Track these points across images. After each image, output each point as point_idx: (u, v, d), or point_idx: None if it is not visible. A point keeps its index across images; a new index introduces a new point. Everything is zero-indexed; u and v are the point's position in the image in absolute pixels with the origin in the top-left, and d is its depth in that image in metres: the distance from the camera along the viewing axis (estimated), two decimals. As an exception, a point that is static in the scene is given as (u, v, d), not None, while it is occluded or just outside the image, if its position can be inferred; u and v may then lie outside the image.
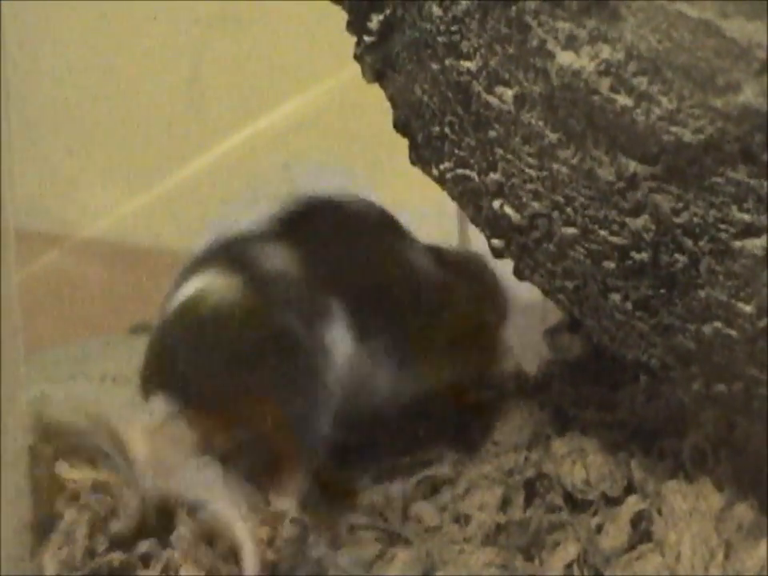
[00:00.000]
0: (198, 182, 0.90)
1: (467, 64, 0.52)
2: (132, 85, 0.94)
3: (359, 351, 0.62)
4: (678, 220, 0.49)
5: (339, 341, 0.62)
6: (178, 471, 0.59)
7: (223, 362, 0.60)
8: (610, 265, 0.52)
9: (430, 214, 0.67)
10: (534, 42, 0.50)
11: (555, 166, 0.51)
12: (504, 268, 0.59)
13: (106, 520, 0.58)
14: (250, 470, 0.59)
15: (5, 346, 0.55)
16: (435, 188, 0.58)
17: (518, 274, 0.57)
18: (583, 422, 0.64)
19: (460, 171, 0.55)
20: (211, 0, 0.92)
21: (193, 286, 0.62)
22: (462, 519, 0.60)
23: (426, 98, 0.55)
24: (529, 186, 0.53)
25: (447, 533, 0.59)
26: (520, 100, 0.51)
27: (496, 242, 0.56)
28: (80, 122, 0.93)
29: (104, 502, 0.59)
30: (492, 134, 0.53)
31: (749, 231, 0.48)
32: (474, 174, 0.55)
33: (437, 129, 0.55)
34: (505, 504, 0.60)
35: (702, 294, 0.50)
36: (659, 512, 0.57)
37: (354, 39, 0.57)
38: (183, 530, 0.58)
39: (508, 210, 0.54)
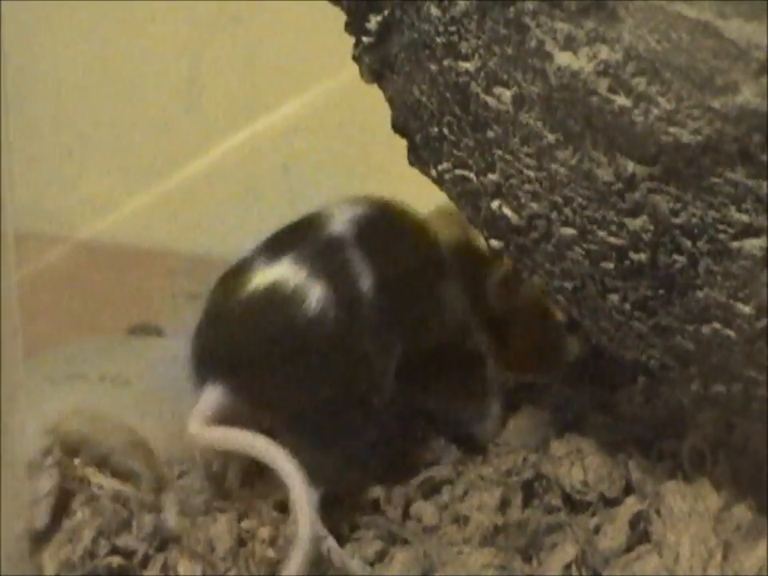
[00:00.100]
0: (197, 182, 0.90)
1: (466, 65, 0.52)
2: (131, 85, 0.94)
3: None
4: (676, 220, 0.49)
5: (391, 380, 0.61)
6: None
7: (295, 366, 0.59)
8: (609, 265, 0.52)
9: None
10: (533, 43, 0.50)
11: (554, 167, 0.51)
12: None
13: (117, 531, 0.58)
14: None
15: (4, 346, 0.55)
16: (434, 189, 0.58)
17: (517, 273, 0.57)
18: (582, 423, 0.64)
19: (458, 172, 0.55)
20: (211, 0, 0.92)
21: (276, 276, 0.60)
22: (460, 520, 0.60)
23: (424, 99, 0.55)
24: (527, 187, 0.53)
25: (446, 533, 0.59)
26: (518, 101, 0.51)
27: (494, 242, 0.56)
28: (80, 122, 0.93)
29: (120, 513, 0.59)
30: (490, 134, 0.53)
31: (747, 232, 0.48)
32: (472, 175, 0.55)
33: (435, 129, 0.55)
34: (503, 505, 0.60)
35: (700, 294, 0.50)
36: (658, 513, 0.57)
37: (353, 40, 0.57)
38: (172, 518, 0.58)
39: (506, 210, 0.54)
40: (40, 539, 0.57)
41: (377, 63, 0.56)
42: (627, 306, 0.53)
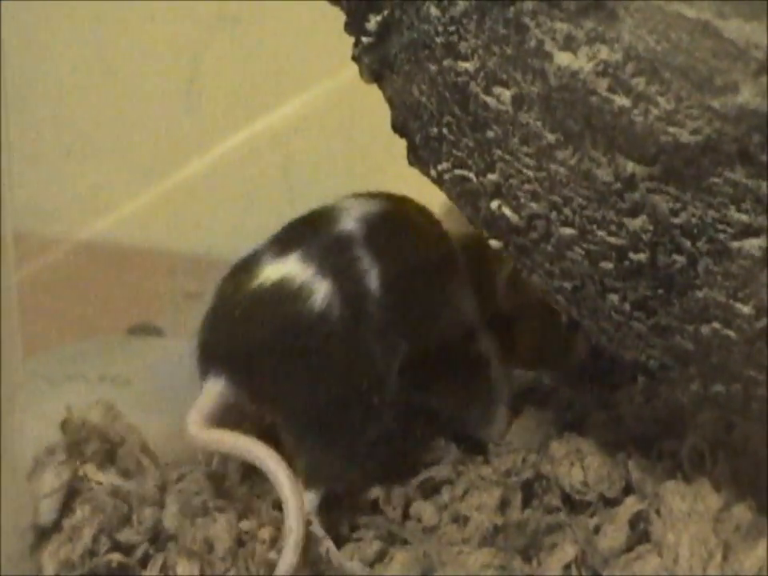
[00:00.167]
0: (197, 182, 0.90)
1: (465, 65, 0.52)
2: (131, 85, 0.94)
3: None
4: (676, 220, 0.49)
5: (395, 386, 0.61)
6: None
7: (297, 362, 0.59)
8: (608, 265, 0.52)
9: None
10: (532, 43, 0.50)
11: (553, 167, 0.51)
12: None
13: (117, 527, 0.58)
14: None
15: (4, 346, 0.55)
16: (434, 189, 0.58)
17: (517, 273, 0.57)
18: (581, 423, 0.64)
19: (458, 172, 0.55)
20: (211, 0, 0.92)
21: (283, 272, 0.59)
22: (460, 520, 0.60)
23: (423, 99, 0.55)
24: (527, 187, 0.53)
25: (446, 533, 0.59)
26: (518, 101, 0.51)
27: (494, 242, 0.56)
28: (80, 122, 0.93)
29: (120, 508, 0.59)
30: (490, 134, 0.53)
31: (747, 232, 0.48)
32: (472, 175, 0.55)
33: (435, 129, 0.55)
34: (503, 505, 0.60)
35: (700, 294, 0.50)
36: (657, 513, 0.57)
37: (352, 40, 0.57)
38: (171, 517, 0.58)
39: (506, 210, 0.54)
40: (41, 537, 0.57)
41: (376, 63, 0.56)
42: (627, 306, 0.53)
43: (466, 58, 0.52)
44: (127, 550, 0.58)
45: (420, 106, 0.55)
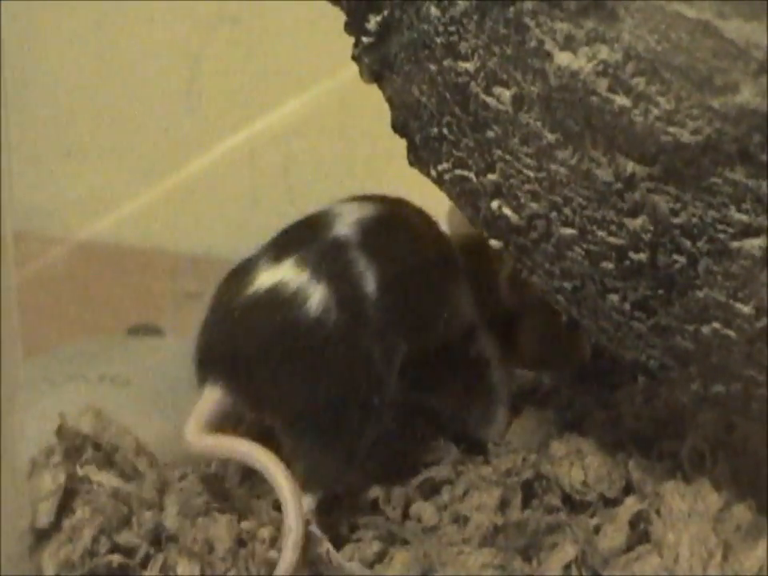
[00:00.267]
0: (197, 182, 0.90)
1: (465, 65, 0.52)
2: (131, 85, 0.94)
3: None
4: (676, 220, 0.49)
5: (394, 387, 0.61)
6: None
7: (294, 368, 0.59)
8: (608, 265, 0.52)
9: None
10: (532, 43, 0.50)
11: (553, 167, 0.51)
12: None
13: (117, 528, 0.58)
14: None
15: (4, 347, 0.55)
16: (434, 189, 0.58)
17: (517, 273, 0.57)
18: (581, 423, 0.64)
19: (458, 172, 0.55)
20: (210, 0, 0.92)
21: (278, 277, 0.59)
22: (460, 520, 0.60)
23: (423, 99, 0.55)
24: (527, 187, 0.53)
25: (445, 533, 0.59)
26: (518, 101, 0.51)
27: (494, 242, 0.56)
28: (80, 122, 0.93)
29: (120, 509, 0.59)
30: (490, 134, 0.53)
31: (747, 232, 0.48)
32: (471, 175, 0.55)
33: (435, 130, 0.55)
34: (503, 505, 0.60)
35: (700, 294, 0.50)
36: (657, 513, 0.57)
37: (352, 40, 0.57)
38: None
39: (506, 210, 0.54)
40: (40, 538, 0.57)
41: (376, 63, 0.56)
42: (627, 306, 0.53)
43: (466, 58, 0.52)
44: (127, 550, 0.58)
45: (420, 106, 0.55)
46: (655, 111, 0.48)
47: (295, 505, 0.55)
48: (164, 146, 0.92)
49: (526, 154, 0.52)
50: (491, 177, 0.54)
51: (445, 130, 0.55)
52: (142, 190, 0.90)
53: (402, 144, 0.58)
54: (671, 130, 0.48)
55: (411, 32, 0.54)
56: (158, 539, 0.59)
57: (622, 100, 0.48)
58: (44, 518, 0.58)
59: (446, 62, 0.53)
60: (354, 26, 0.56)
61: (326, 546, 0.57)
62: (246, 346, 0.59)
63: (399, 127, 0.57)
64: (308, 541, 0.56)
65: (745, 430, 0.60)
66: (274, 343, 0.59)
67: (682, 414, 0.62)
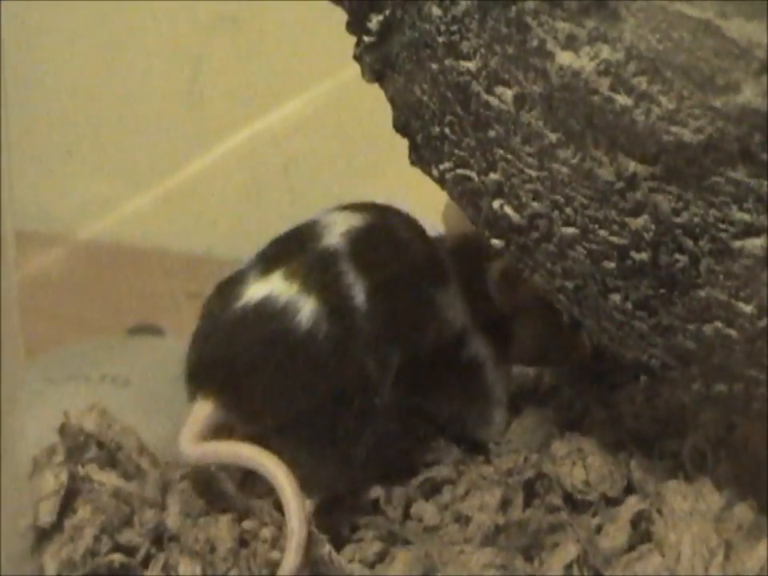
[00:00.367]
0: (197, 182, 0.90)
1: (467, 64, 0.52)
2: (131, 85, 0.94)
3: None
4: (677, 220, 0.49)
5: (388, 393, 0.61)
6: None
7: (285, 381, 0.58)
8: (610, 265, 0.52)
9: (429, 215, 0.67)
10: (534, 42, 0.50)
11: (555, 166, 0.51)
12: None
13: (119, 528, 0.58)
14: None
15: (4, 347, 0.55)
16: (435, 188, 0.58)
17: (518, 272, 0.57)
18: (583, 423, 0.64)
19: (460, 171, 0.55)
20: (211, 0, 0.92)
21: (266, 290, 0.59)
22: (462, 520, 0.60)
23: (425, 99, 0.55)
24: (528, 186, 0.53)
25: (447, 533, 0.59)
26: (520, 100, 0.51)
27: (496, 242, 0.56)
28: (80, 122, 0.93)
29: (121, 509, 0.59)
30: (492, 134, 0.53)
31: (749, 231, 0.48)
32: (473, 174, 0.55)
33: (436, 129, 0.55)
34: (504, 505, 0.60)
35: (701, 293, 0.50)
36: (659, 512, 0.57)
37: (354, 39, 0.57)
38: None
39: (508, 210, 0.54)
40: (42, 538, 0.57)
41: (378, 63, 0.56)
42: (629, 306, 0.53)
43: (467, 58, 0.52)
44: (129, 550, 0.58)
45: (422, 105, 0.55)
46: (657, 111, 0.48)
47: (298, 507, 0.55)
48: (165, 146, 0.92)
49: (528, 153, 0.52)
50: (493, 176, 0.54)
51: (446, 130, 0.55)
52: (142, 189, 0.90)
53: (403, 144, 0.58)
54: (673, 129, 0.48)
55: (413, 31, 0.54)
56: (160, 539, 0.59)
57: (623, 99, 0.48)
58: (46, 518, 0.58)
59: (447, 62, 0.53)
60: (355, 26, 0.56)
61: (327, 547, 0.57)
62: (237, 360, 0.59)
63: (401, 127, 0.57)
64: (310, 541, 0.56)
65: (746, 429, 0.60)
66: (265, 356, 0.58)
67: (683, 413, 0.62)
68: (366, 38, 0.56)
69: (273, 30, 0.93)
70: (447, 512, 0.61)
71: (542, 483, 0.61)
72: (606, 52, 0.48)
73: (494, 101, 0.52)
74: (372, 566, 0.58)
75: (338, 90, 0.86)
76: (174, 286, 0.90)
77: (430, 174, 0.57)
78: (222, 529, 0.58)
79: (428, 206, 0.66)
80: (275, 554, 0.57)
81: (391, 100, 0.57)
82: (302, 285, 0.59)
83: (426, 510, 0.61)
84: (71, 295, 0.87)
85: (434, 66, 0.54)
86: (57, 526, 0.58)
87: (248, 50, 0.94)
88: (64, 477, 0.59)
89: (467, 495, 0.61)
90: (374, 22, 0.55)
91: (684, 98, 0.47)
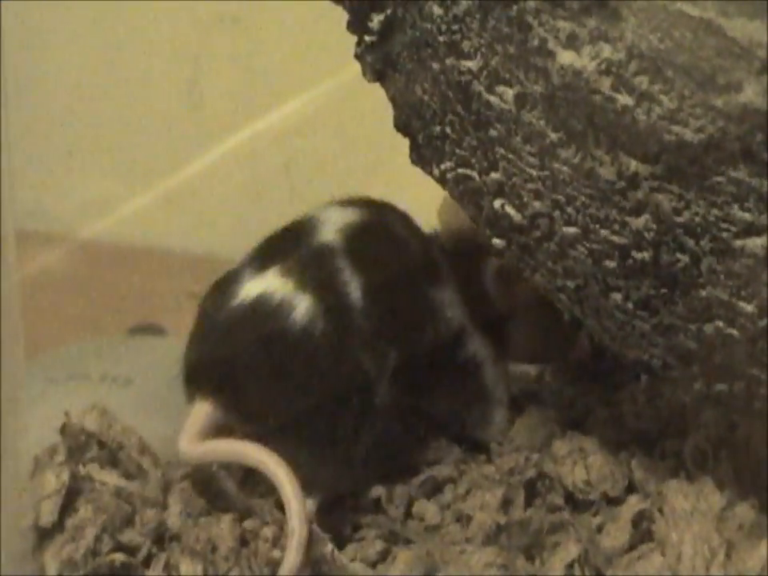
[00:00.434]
0: (198, 182, 0.90)
1: (468, 63, 0.52)
2: (132, 85, 0.94)
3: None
4: (679, 219, 0.49)
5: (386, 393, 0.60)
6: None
7: (282, 380, 0.58)
8: (611, 264, 0.52)
9: (430, 214, 0.67)
10: (535, 42, 0.50)
11: (556, 166, 0.51)
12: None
13: (120, 527, 0.58)
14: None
15: (5, 346, 0.55)
16: (436, 188, 0.58)
17: (519, 273, 0.57)
18: (584, 422, 0.64)
19: (461, 171, 0.55)
20: (211, 0, 0.92)
21: (261, 288, 0.59)
22: (463, 519, 0.60)
23: (426, 98, 0.55)
24: (530, 186, 0.53)
25: (448, 532, 0.59)
26: (521, 99, 0.51)
27: (497, 241, 0.56)
28: (80, 122, 0.93)
29: (123, 508, 0.59)
30: (493, 133, 0.53)
31: (750, 230, 0.48)
32: (474, 174, 0.55)
33: (437, 128, 0.55)
34: (506, 504, 0.60)
35: (703, 293, 0.50)
36: (660, 512, 0.57)
37: (355, 39, 0.57)
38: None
39: (509, 209, 0.54)
40: (44, 537, 0.57)
41: (379, 62, 0.56)
42: (630, 305, 0.53)
43: (468, 57, 0.52)
44: (130, 549, 0.58)
45: (423, 104, 0.55)
46: (658, 110, 0.48)
47: (298, 506, 0.55)
48: (165, 146, 0.92)
49: (529, 152, 0.52)
50: (494, 176, 0.54)
51: (447, 129, 0.55)
52: (143, 189, 0.90)
53: (404, 143, 0.58)
54: (674, 128, 0.48)
55: (414, 31, 0.54)
56: (161, 538, 0.59)
57: (624, 99, 0.48)
58: (47, 517, 0.58)
59: (448, 61, 0.53)
60: (356, 25, 0.56)
61: (329, 546, 0.57)
62: (233, 360, 0.58)
63: (402, 126, 0.57)
64: (311, 541, 0.56)
65: (747, 428, 0.60)
66: (262, 355, 0.58)
67: (684, 412, 0.62)
68: (366, 38, 0.56)
69: (273, 30, 0.93)
70: (448, 511, 0.61)
71: (543, 483, 0.61)
72: (607, 51, 0.48)
73: (495, 100, 0.52)
74: (374, 565, 0.58)
75: (339, 89, 0.86)
76: (174, 285, 0.90)
77: (431, 174, 0.57)
78: (224, 528, 0.58)
79: (428, 205, 0.66)
80: (276, 553, 0.57)
81: (392, 99, 0.57)
82: (297, 282, 0.58)
83: (428, 509, 0.61)
84: (71, 295, 0.87)
85: (435, 66, 0.54)
86: (58, 526, 0.58)
87: (248, 49, 0.94)
88: (65, 476, 0.59)
89: (468, 494, 0.61)
90: (375, 21, 0.55)
91: (685, 97, 0.47)
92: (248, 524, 0.59)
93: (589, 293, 0.54)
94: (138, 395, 0.75)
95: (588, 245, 0.52)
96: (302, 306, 0.58)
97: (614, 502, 0.59)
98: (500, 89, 0.52)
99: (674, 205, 0.49)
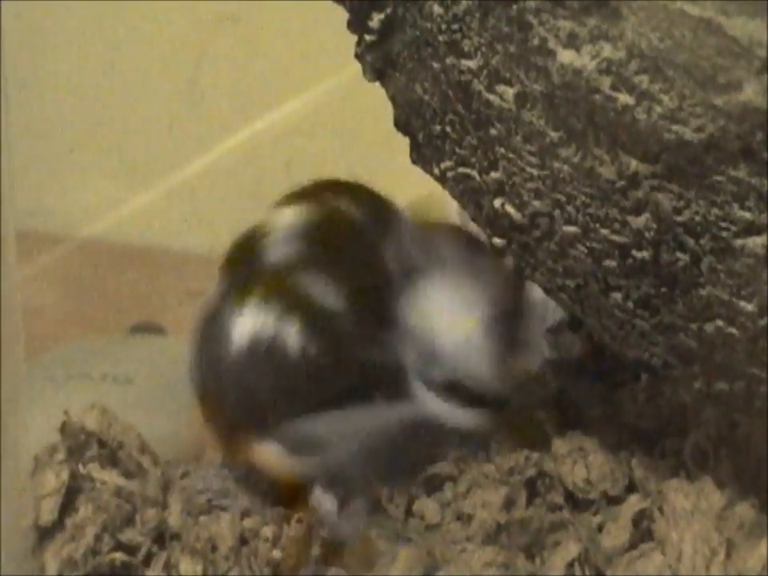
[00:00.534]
0: (198, 181, 0.90)
1: (468, 63, 0.52)
2: (132, 84, 0.94)
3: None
4: (679, 218, 0.49)
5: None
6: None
7: (300, 404, 0.59)
8: (611, 263, 0.52)
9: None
10: (535, 41, 0.50)
11: (556, 165, 0.51)
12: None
13: (120, 526, 0.58)
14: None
15: (5, 346, 0.55)
16: (436, 187, 0.58)
17: (519, 272, 0.57)
18: (584, 421, 0.64)
19: (461, 170, 0.55)
20: (211, 0, 0.92)
21: (250, 327, 0.59)
22: (463, 517, 0.60)
23: (426, 97, 0.55)
24: (530, 185, 0.53)
25: (449, 531, 0.59)
26: (521, 98, 0.51)
27: (497, 240, 0.56)
28: (80, 122, 0.93)
29: (123, 507, 0.59)
30: (493, 132, 0.53)
31: (750, 230, 0.48)
32: (474, 173, 0.55)
33: (437, 128, 0.55)
34: (507, 503, 0.60)
35: (703, 292, 0.50)
36: (660, 511, 0.57)
37: (355, 38, 0.57)
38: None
39: (509, 208, 0.54)
40: (43, 536, 0.57)
41: (379, 61, 0.56)
42: (630, 304, 0.53)
43: (468, 56, 0.52)
44: (130, 549, 0.58)
45: (423, 104, 0.55)
46: (658, 109, 0.48)
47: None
48: (166, 145, 0.92)
49: (529, 151, 0.52)
50: (494, 175, 0.54)
51: (448, 128, 0.55)
52: (144, 188, 0.90)
53: (404, 142, 0.58)
54: (674, 127, 0.48)
55: (414, 30, 0.54)
56: (161, 537, 0.58)
57: (625, 98, 0.48)
58: (47, 516, 0.58)
59: (448, 60, 0.53)
60: (356, 24, 0.56)
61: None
62: (250, 401, 0.59)
63: (402, 125, 0.57)
64: (311, 538, 0.56)
65: (748, 427, 0.60)
66: (274, 391, 0.59)
67: (684, 411, 0.62)
68: (367, 37, 0.56)
69: (274, 29, 0.93)
70: (449, 510, 0.61)
71: (543, 482, 0.60)
72: (607, 50, 0.48)
73: (495, 99, 0.52)
74: (374, 564, 0.58)
75: (339, 88, 0.86)
76: (174, 285, 0.90)
77: (431, 173, 0.57)
78: (224, 527, 0.58)
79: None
80: (276, 553, 0.57)
81: (392, 99, 0.57)
82: (276, 309, 0.58)
83: (428, 508, 0.61)
84: (72, 295, 0.87)
85: (435, 65, 0.54)
86: (58, 525, 0.58)
87: (249, 49, 0.94)
88: (65, 475, 0.59)
89: (469, 493, 0.61)
90: (375, 20, 0.55)
91: (685, 96, 0.47)
92: (248, 523, 0.59)
93: (589, 292, 0.54)
94: (138, 394, 0.75)
95: (588, 244, 0.52)
96: (292, 335, 0.58)
97: (614, 501, 0.59)
98: (500, 88, 0.52)
99: (674, 204, 0.49)
